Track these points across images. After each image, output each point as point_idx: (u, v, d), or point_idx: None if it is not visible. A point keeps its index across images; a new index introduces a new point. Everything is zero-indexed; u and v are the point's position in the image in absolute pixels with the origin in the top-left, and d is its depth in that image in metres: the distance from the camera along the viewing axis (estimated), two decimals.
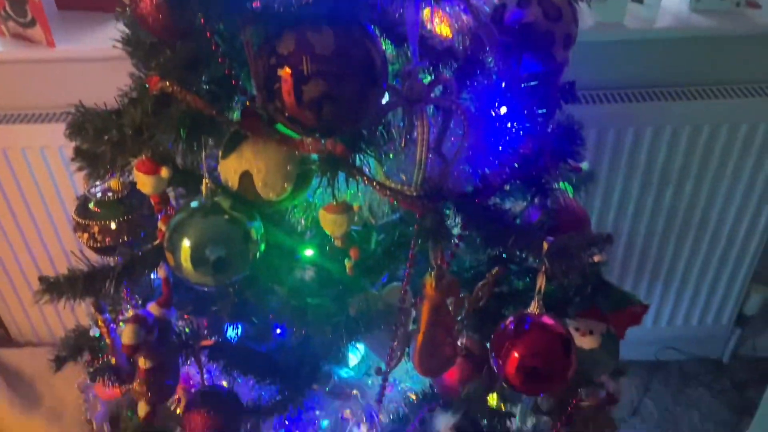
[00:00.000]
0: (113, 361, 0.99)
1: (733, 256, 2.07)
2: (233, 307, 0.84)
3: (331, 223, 0.79)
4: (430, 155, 0.79)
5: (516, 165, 0.90)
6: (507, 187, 0.92)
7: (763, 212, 1.97)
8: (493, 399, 1.11)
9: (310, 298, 0.87)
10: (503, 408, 1.12)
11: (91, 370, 1.03)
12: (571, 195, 1.19)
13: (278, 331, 0.98)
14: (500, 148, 0.88)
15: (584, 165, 1.34)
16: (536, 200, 1.01)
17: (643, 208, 1.97)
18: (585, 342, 1.11)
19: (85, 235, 0.89)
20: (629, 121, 1.74)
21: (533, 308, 0.86)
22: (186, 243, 0.75)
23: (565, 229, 1.00)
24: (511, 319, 0.87)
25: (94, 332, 1.08)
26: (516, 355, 0.84)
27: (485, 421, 1.04)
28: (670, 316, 2.25)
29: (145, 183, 0.78)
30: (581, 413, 0.96)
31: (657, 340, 2.34)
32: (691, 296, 2.18)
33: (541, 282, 0.85)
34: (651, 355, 2.41)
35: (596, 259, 0.88)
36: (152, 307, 0.88)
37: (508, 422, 1.09)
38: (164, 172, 0.77)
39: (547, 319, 0.85)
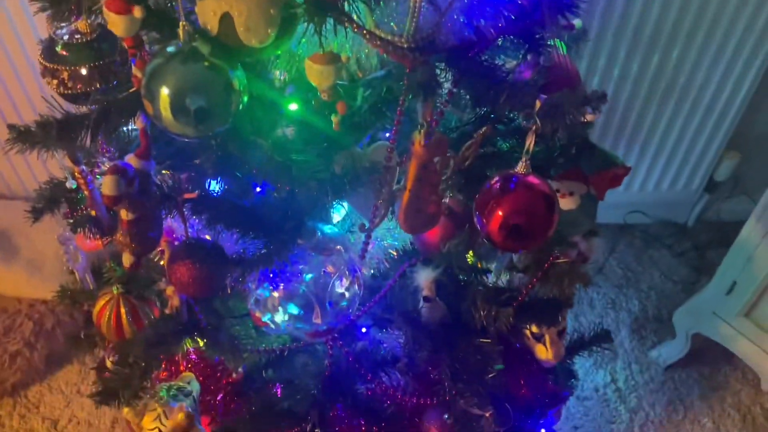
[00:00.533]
0: (93, 213, 0.98)
1: (712, 122, 2.08)
2: (216, 160, 0.81)
3: (317, 75, 0.75)
4: (424, 3, 0.74)
5: (512, 17, 0.85)
6: (500, 42, 0.87)
7: (747, 78, 1.96)
8: (469, 256, 1.14)
9: (295, 154, 0.85)
10: (480, 266, 1.15)
11: (71, 221, 1.02)
12: (564, 53, 1.15)
13: (258, 189, 0.96)
14: None
15: (578, 23, 1.29)
16: (529, 57, 0.97)
17: (629, 72, 1.94)
18: (564, 203, 1.12)
19: (54, 81, 0.84)
20: None
21: (520, 167, 0.85)
22: (165, 91, 0.71)
23: (558, 87, 0.97)
24: (497, 177, 0.86)
25: (71, 184, 1.05)
26: (500, 213, 0.84)
27: (463, 277, 1.07)
28: (642, 180, 2.29)
29: (116, 23, 0.72)
30: (557, 269, 1.00)
31: (626, 204, 2.40)
32: (666, 161, 2.21)
33: (530, 141, 0.84)
34: (619, 218, 2.49)
35: (588, 118, 0.87)
36: (131, 159, 0.85)
37: (484, 278, 1.12)
38: (137, 12, 0.71)
39: (533, 179, 0.85)
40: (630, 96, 1.99)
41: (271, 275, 0.94)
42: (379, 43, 0.76)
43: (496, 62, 0.90)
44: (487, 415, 1.03)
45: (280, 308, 0.94)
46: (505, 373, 1.22)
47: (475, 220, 0.88)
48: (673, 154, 2.18)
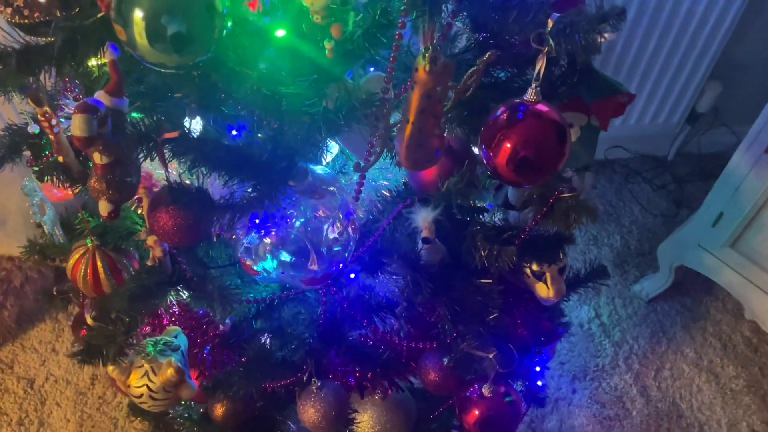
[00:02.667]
0: (61, 159, 0.90)
1: (696, 53, 2.03)
2: (198, 94, 0.73)
3: None
4: None
5: None
6: None
7: (732, 6, 1.91)
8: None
9: (284, 87, 0.77)
10: (474, 204, 1.10)
11: (36, 170, 0.93)
12: None
13: (235, 132, 0.89)
14: None
15: None
16: None
17: (612, 2, 1.87)
18: None
19: (8, 10, 0.73)
20: None
21: (530, 95, 0.79)
22: (138, 14, 0.62)
23: (569, 4, 0.90)
24: (503, 107, 0.80)
25: (33, 129, 0.96)
26: (508, 145, 0.79)
27: (462, 216, 1.02)
28: (625, 116, 2.25)
29: None
30: (562, 205, 0.95)
31: (607, 140, 2.37)
32: (649, 93, 2.17)
33: (540, 66, 0.77)
34: (600, 154, 2.46)
35: (607, 37, 0.81)
36: (101, 96, 0.76)
37: (481, 217, 1.08)
38: None
39: (543, 107, 0.79)
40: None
41: (260, 221, 0.87)
42: None
43: None
44: (491, 356, 1.00)
45: (271, 256, 0.88)
46: (504, 313, 1.19)
47: (481, 153, 0.82)
48: (656, 85, 2.14)
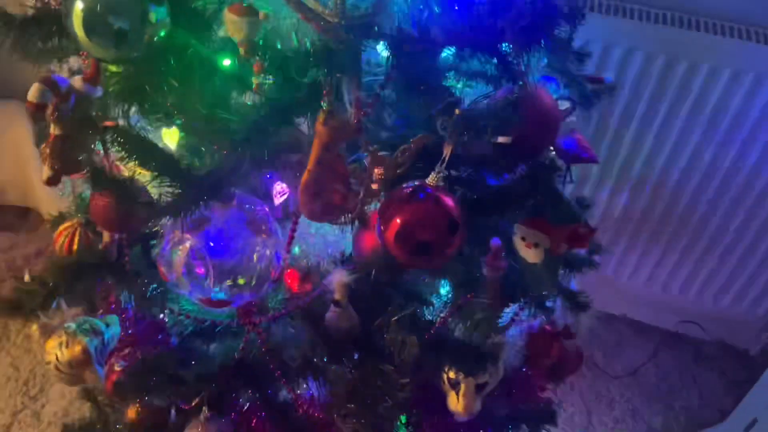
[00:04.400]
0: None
1: None
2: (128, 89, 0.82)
3: (231, 24, 0.74)
4: None
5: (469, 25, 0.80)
6: (455, 51, 0.82)
7: None
8: None
9: (221, 111, 0.84)
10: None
11: None
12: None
13: None
14: None
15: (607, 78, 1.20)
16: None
17: (699, 162, 1.77)
18: (530, 255, 1.03)
19: None
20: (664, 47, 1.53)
21: (432, 179, 0.79)
22: (79, 6, 0.73)
23: (529, 124, 0.89)
24: (408, 186, 0.81)
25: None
26: (398, 221, 0.78)
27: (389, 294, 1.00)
28: (700, 288, 2.06)
29: None
30: (471, 308, 0.90)
31: (679, 310, 2.17)
32: (730, 274, 1.98)
33: (447, 152, 0.77)
34: (670, 323, 2.26)
35: (501, 140, 0.79)
36: (75, 79, 0.88)
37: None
38: None
39: (444, 196, 0.79)
40: (698, 187, 1.81)
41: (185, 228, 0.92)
42: (306, 13, 0.74)
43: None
44: None
45: (181, 266, 0.92)
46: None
47: (376, 227, 0.82)
48: (739, 267, 1.95)
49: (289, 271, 1.06)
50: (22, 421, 1.91)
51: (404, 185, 0.80)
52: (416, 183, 0.80)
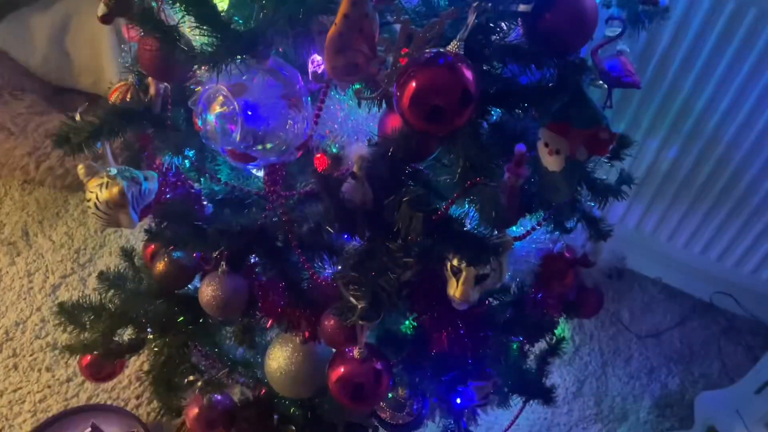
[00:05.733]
0: None
1: None
2: None
3: None
4: None
5: None
6: None
7: None
8: None
9: None
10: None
11: None
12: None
13: None
14: None
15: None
16: None
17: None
18: (550, 162, 1.04)
19: None
20: None
21: (452, 46, 0.81)
22: None
23: (561, 16, 0.90)
24: (429, 52, 0.83)
25: None
26: (414, 84, 0.81)
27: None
28: (739, 258, 2.01)
29: None
30: (481, 192, 0.93)
31: (716, 281, 2.13)
32: None
33: (471, 18, 0.80)
34: (705, 294, 2.22)
35: (522, 8, 0.80)
36: None
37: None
38: None
39: (463, 65, 0.81)
40: (753, 148, 1.75)
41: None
42: None
43: None
44: (359, 306, 0.99)
45: (211, 113, 0.97)
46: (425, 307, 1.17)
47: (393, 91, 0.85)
48: None
49: (318, 155, 1.10)
50: (69, 284, 2.06)
51: (425, 52, 0.83)
52: (437, 51, 0.82)
